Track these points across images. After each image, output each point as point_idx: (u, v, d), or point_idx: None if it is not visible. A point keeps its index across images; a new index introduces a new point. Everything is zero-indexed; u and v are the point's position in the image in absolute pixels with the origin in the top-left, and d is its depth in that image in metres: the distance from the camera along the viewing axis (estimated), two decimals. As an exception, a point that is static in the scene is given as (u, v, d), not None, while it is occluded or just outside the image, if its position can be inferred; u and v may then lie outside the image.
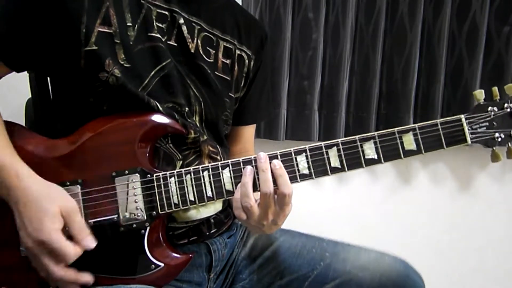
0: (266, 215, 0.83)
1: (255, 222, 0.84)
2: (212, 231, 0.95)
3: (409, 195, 1.78)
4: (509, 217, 1.77)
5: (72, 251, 0.75)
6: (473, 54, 1.59)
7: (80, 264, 0.78)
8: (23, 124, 1.09)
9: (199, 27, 0.94)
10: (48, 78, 0.97)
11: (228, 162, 0.85)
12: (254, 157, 0.84)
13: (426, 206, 1.78)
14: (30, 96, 1.07)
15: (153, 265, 0.84)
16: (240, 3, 1.61)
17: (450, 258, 1.80)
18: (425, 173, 1.77)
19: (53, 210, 0.75)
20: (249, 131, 1.15)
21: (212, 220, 0.95)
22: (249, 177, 0.82)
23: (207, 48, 0.95)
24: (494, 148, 0.84)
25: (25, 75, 1.02)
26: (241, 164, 0.84)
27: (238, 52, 1.01)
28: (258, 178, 0.83)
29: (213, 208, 0.95)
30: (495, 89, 0.83)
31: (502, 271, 1.80)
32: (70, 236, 0.77)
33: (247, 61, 1.03)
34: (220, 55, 0.98)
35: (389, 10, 1.64)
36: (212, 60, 0.96)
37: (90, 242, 0.78)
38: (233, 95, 1.01)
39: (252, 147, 1.18)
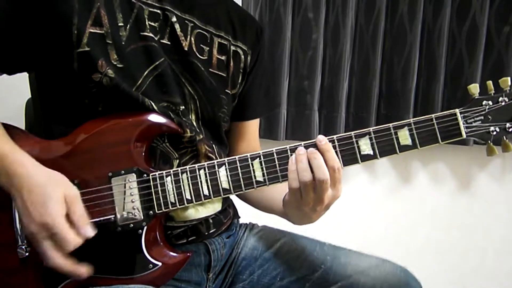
0: (321, 200, 0.82)
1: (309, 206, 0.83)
2: (211, 231, 0.95)
3: (409, 195, 1.78)
4: (509, 217, 1.77)
5: (73, 238, 0.75)
6: (473, 54, 1.59)
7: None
8: (23, 125, 1.10)
9: (192, 24, 0.94)
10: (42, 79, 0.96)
11: (224, 160, 0.85)
12: (250, 154, 0.84)
13: (426, 206, 1.78)
14: (30, 96, 1.07)
15: (151, 265, 0.84)
16: (240, 4, 1.62)
17: (450, 258, 1.80)
18: (425, 173, 1.77)
19: (57, 195, 0.75)
20: (252, 127, 1.14)
21: (211, 220, 0.95)
22: (303, 156, 0.81)
23: (201, 45, 0.95)
24: (489, 142, 0.83)
25: (25, 75, 1.02)
26: (237, 162, 0.84)
27: (233, 48, 1.00)
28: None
29: (212, 208, 0.95)
30: (490, 83, 0.82)
31: (502, 271, 1.80)
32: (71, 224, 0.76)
33: (243, 56, 1.02)
34: (214, 51, 0.97)
35: (389, 10, 1.64)
36: (206, 57, 0.95)
37: (89, 231, 0.77)
38: (229, 92, 1.00)
39: (258, 145, 1.16)
